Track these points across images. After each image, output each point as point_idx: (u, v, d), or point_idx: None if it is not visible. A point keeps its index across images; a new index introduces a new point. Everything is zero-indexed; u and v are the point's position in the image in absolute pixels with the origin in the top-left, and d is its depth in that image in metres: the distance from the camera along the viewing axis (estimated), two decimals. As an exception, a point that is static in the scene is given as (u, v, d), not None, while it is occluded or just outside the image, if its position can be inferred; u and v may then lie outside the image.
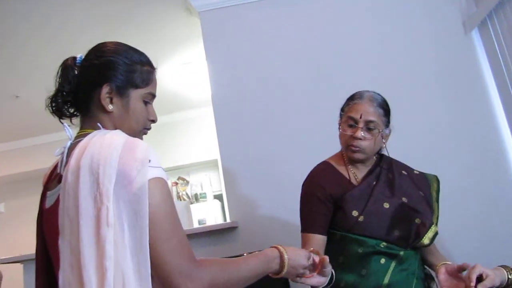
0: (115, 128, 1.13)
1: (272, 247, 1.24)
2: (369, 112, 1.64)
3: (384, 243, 1.60)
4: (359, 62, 2.96)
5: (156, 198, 0.98)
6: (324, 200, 1.66)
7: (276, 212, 2.73)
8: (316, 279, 1.32)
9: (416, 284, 1.60)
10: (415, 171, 1.80)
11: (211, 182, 6.61)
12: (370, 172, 1.73)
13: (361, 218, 1.61)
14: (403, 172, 1.77)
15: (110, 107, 1.13)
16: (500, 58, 2.83)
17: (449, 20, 3.00)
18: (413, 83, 2.93)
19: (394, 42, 3.01)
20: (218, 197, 6.47)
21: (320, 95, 2.89)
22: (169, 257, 0.97)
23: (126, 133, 1.07)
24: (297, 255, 1.25)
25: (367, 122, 1.64)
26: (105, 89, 1.12)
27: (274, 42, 3.04)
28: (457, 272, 1.52)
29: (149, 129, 1.23)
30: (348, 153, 1.70)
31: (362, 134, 1.64)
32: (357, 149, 1.66)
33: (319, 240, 1.64)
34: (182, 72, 4.67)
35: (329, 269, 1.33)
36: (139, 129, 1.19)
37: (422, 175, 1.80)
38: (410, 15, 3.03)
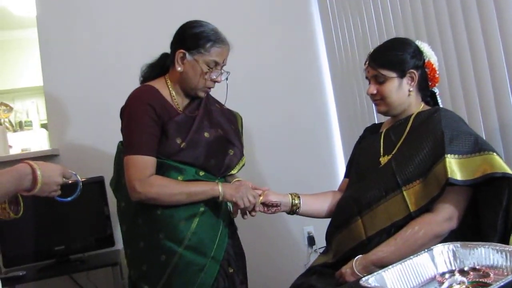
0: None
1: (24, 162, 1.16)
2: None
3: (202, 172, 1.65)
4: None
5: None
6: (157, 120, 1.60)
7: (99, 141, 2.64)
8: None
9: (225, 204, 1.71)
10: (224, 106, 1.88)
11: (38, 110, 6.14)
12: (192, 102, 1.76)
13: (183, 145, 1.62)
14: (217, 105, 1.84)
15: None
16: (328, 6, 2.97)
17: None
18: (248, 25, 2.96)
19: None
20: (46, 126, 6.07)
21: (153, 25, 2.77)
22: None
23: None
24: (50, 171, 1.20)
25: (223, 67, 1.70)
26: None
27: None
28: None
29: None
30: (200, 93, 1.71)
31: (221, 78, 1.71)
32: (209, 90, 1.74)
33: (154, 163, 1.59)
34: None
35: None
36: None
37: (230, 111, 1.89)
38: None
